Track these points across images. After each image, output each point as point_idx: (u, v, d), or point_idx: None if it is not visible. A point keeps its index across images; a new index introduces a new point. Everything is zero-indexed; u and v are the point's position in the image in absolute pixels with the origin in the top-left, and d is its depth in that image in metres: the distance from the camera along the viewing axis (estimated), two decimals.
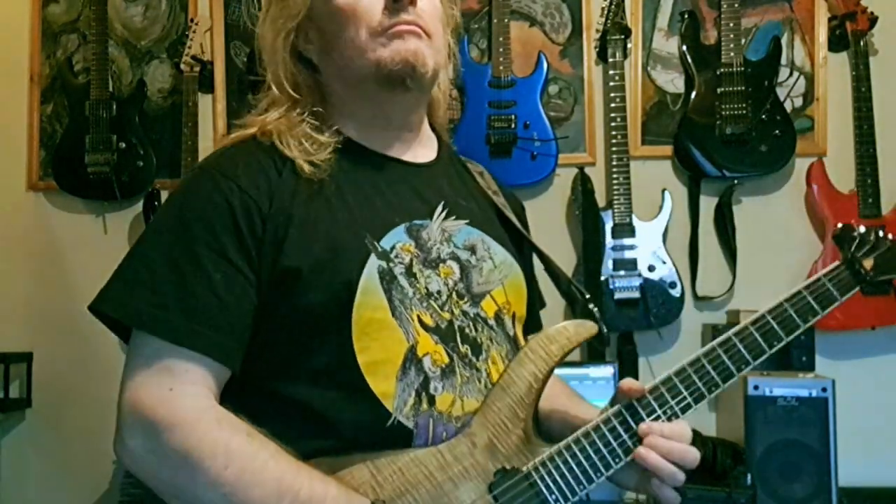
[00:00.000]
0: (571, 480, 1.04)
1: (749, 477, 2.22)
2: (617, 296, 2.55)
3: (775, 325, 1.11)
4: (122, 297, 1.03)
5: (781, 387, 2.28)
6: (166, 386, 0.99)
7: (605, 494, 2.57)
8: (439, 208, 1.14)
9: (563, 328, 1.11)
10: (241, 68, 2.81)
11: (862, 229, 1.18)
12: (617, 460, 1.06)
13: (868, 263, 1.15)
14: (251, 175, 1.07)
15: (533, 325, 1.27)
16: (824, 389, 2.26)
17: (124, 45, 2.87)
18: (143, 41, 2.88)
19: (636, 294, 2.54)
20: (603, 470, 1.06)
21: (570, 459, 1.05)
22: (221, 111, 2.82)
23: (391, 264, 1.07)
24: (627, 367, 2.50)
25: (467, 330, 1.10)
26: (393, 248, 1.08)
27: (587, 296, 1.24)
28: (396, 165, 1.16)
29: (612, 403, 1.11)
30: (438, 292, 1.09)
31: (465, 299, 1.11)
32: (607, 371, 2.44)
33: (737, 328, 1.11)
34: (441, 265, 1.11)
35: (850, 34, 2.57)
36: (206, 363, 1.01)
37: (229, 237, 1.03)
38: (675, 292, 2.56)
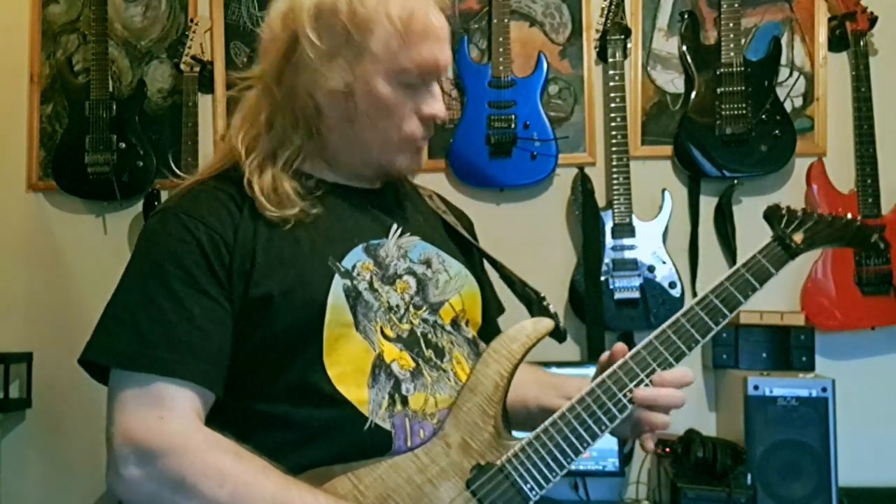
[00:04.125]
0: (544, 468, 1.09)
1: (749, 477, 2.22)
2: (617, 296, 2.55)
3: (718, 303, 1.18)
4: (107, 344, 1.07)
5: (781, 387, 2.28)
6: (156, 415, 1.03)
7: (605, 494, 2.58)
8: (393, 227, 1.21)
9: (522, 327, 1.17)
10: (240, 68, 2.81)
11: (789, 206, 1.26)
12: (585, 444, 1.11)
13: (798, 237, 1.22)
14: (213, 211, 1.12)
15: (491, 331, 1.32)
16: (824, 389, 2.26)
17: (124, 45, 2.87)
18: (143, 41, 2.88)
19: (636, 294, 2.54)
20: (572, 455, 1.10)
21: (540, 449, 1.09)
22: (221, 111, 2.82)
23: (354, 282, 1.12)
24: None
25: (429, 336, 1.16)
26: (354, 266, 1.14)
27: (542, 295, 1.30)
28: (349, 192, 1.22)
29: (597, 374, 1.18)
30: (397, 306, 1.15)
31: (423, 308, 1.17)
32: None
33: (683, 310, 1.18)
34: (397, 280, 1.16)
35: (850, 34, 2.57)
36: (193, 389, 1.05)
37: (201, 271, 1.08)
38: (675, 292, 2.56)
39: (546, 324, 1.18)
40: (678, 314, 1.17)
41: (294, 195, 1.14)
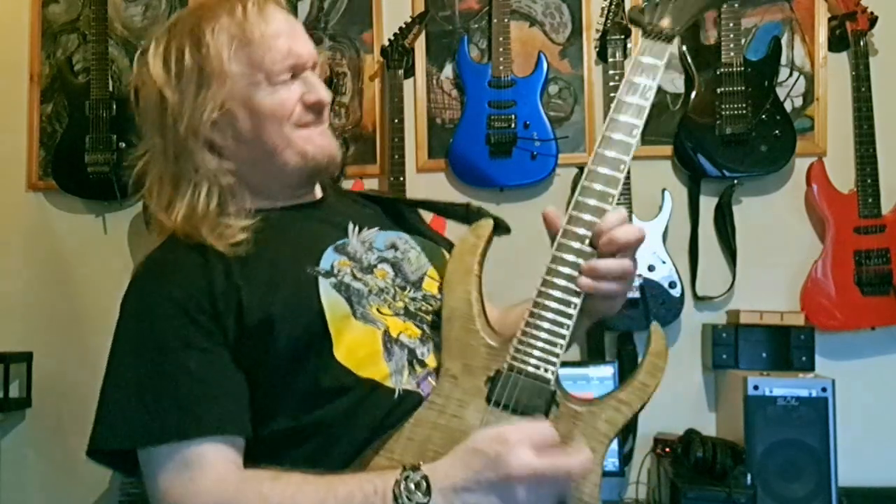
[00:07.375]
0: (546, 345, 1.08)
1: (749, 477, 2.22)
2: None
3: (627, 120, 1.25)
4: (121, 427, 1.08)
5: (781, 387, 2.28)
6: (187, 478, 1.04)
7: (605, 494, 2.57)
8: (349, 225, 1.23)
9: (464, 239, 1.17)
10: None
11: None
12: (573, 306, 1.08)
13: (665, 23, 1.16)
14: (181, 270, 1.12)
15: None
16: (824, 389, 2.27)
17: (124, 45, 2.87)
18: (143, 41, 2.87)
19: (636, 294, 2.54)
20: (567, 321, 1.08)
21: (534, 334, 1.08)
22: None
23: (339, 277, 1.15)
24: (627, 366, 2.50)
25: (423, 308, 1.19)
26: (332, 266, 1.16)
27: (468, 203, 1.31)
28: (292, 210, 1.23)
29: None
30: (385, 289, 1.18)
31: (408, 289, 1.20)
32: (607, 371, 2.44)
33: (595, 153, 1.16)
34: (374, 269, 1.19)
35: (850, 34, 2.57)
36: (216, 440, 1.06)
37: (187, 328, 1.08)
38: (675, 292, 2.56)
39: (484, 224, 1.17)
40: (591, 157, 1.14)
41: (241, 231, 1.14)
